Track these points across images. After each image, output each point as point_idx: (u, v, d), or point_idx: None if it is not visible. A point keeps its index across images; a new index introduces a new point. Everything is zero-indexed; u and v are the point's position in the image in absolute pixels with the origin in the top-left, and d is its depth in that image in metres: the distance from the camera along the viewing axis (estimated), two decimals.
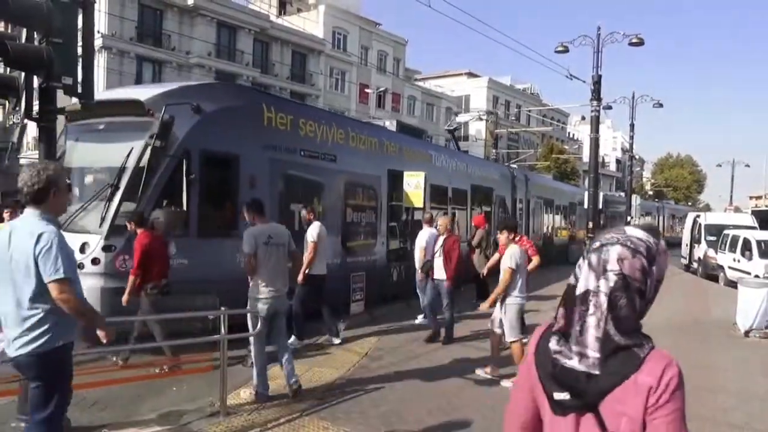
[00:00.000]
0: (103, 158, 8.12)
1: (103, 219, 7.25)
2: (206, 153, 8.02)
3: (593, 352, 1.31)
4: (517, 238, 7.69)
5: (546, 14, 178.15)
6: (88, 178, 8.38)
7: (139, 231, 6.70)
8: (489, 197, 17.70)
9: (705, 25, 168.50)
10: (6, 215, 8.14)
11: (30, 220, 3.22)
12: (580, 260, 1.42)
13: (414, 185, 11.87)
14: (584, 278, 1.37)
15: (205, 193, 8.00)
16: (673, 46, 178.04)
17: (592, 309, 1.33)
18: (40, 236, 3.12)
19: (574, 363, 1.32)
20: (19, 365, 3.30)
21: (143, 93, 8.24)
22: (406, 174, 11.71)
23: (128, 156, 7.50)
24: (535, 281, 16.20)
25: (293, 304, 7.64)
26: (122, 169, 7.48)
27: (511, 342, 6.69)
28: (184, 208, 7.73)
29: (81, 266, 6.29)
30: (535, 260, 8.42)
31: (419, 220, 11.51)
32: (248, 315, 5.89)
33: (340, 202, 10.71)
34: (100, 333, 3.41)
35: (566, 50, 23.60)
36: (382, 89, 43.80)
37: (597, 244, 1.39)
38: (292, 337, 7.92)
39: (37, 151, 4.98)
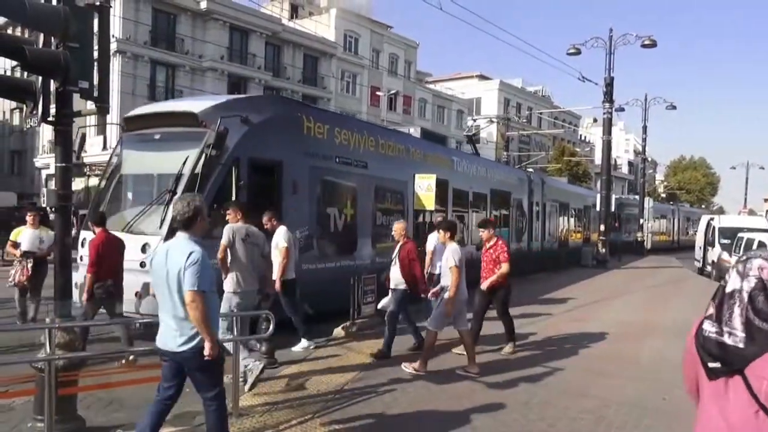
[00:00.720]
0: (159, 166, 8.72)
1: (162, 222, 7.83)
2: (253, 160, 8.61)
3: (740, 332, 1.72)
4: (492, 242, 7.89)
5: (557, 16, 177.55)
6: (146, 184, 8.98)
7: (97, 230, 7.12)
8: (507, 201, 18.15)
9: (718, 24, 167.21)
10: (29, 218, 8.59)
11: (182, 241, 3.90)
12: (730, 269, 1.83)
13: (426, 188, 11.87)
14: (732, 281, 1.79)
15: (253, 197, 8.38)
16: (687, 47, 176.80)
17: (737, 302, 1.75)
18: (190, 254, 3.76)
19: (725, 339, 1.75)
20: (183, 359, 3.90)
21: (196, 105, 8.85)
22: (417, 177, 11.73)
23: (184, 164, 8.11)
24: (547, 285, 16.26)
25: (286, 310, 7.78)
26: (179, 176, 8.09)
27: (428, 330, 6.89)
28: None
29: (143, 265, 7.26)
30: (504, 267, 7.83)
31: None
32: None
33: (370, 205, 11.30)
34: (207, 346, 3.77)
35: (578, 52, 23.54)
36: (393, 92, 43.87)
37: (744, 257, 1.82)
38: (303, 341, 7.94)
39: (53, 154, 5.03)
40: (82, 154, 31.48)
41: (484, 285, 7.92)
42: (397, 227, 8.24)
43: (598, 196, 25.65)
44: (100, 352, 7.02)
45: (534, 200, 20.40)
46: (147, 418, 4.05)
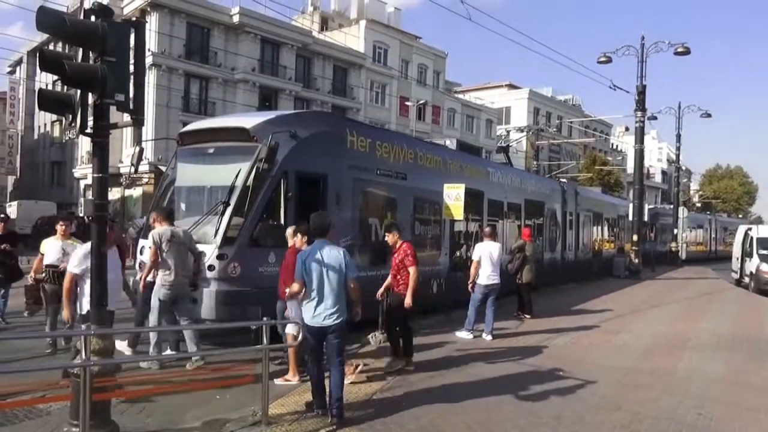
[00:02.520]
0: (213, 178, 9.22)
1: (216, 231, 8.22)
2: (300, 173, 8.98)
3: None
4: (397, 246, 7.81)
5: (587, 25, 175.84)
6: (199, 196, 9.45)
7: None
8: (541, 210, 18.17)
9: (755, 28, 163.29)
10: (60, 228, 8.33)
11: (326, 244, 5.54)
12: None
13: (454, 197, 11.80)
14: None
15: (299, 208, 8.71)
16: (722, 53, 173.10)
17: None
18: (343, 252, 5.55)
19: None
20: (334, 330, 5.41)
21: (248, 121, 9.32)
22: (446, 186, 11.66)
23: (236, 176, 8.52)
24: (578, 295, 16.01)
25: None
26: (232, 188, 8.49)
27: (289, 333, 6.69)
28: (282, 222, 8.51)
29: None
30: (412, 272, 7.51)
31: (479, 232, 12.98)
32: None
33: (409, 216, 11.56)
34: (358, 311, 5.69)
35: (609, 60, 23.26)
36: (422, 102, 43.94)
37: None
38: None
39: (90, 165, 5.18)
40: (119, 164, 32.32)
41: (408, 299, 7.49)
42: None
43: (631, 205, 25.20)
44: (134, 359, 7.17)
45: (568, 210, 20.36)
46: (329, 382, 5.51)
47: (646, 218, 26.61)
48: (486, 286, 9.81)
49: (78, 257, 6.11)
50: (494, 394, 6.52)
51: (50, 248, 8.06)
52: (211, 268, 7.95)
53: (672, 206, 38.05)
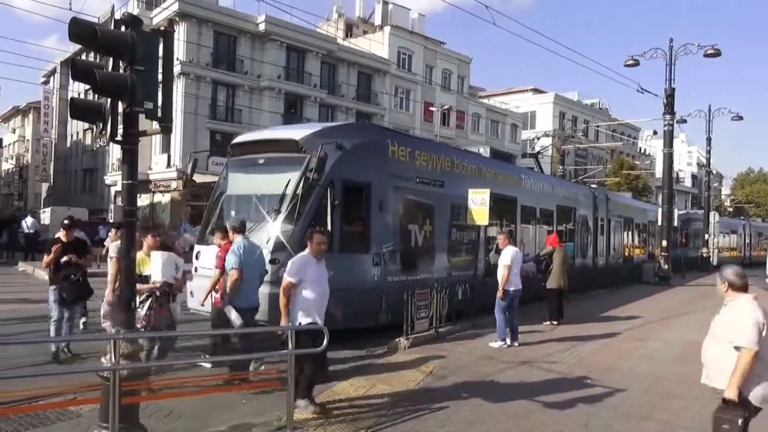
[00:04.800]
0: (264, 187, 9.71)
1: (269, 237, 8.70)
2: (346, 182, 9.44)
3: None
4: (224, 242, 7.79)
5: (614, 28, 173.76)
6: (251, 204, 9.78)
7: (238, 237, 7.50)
8: (572, 216, 18.43)
9: None
10: (152, 241, 7.38)
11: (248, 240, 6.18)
12: None
13: (479, 202, 11.72)
14: None
15: (345, 215, 9.39)
16: (753, 54, 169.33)
17: None
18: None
19: None
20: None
21: (297, 133, 9.85)
22: (471, 191, 11.62)
23: (287, 185, 9.02)
24: (607, 301, 15.77)
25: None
26: (282, 196, 9.01)
27: None
28: (329, 228, 8.83)
29: None
30: (216, 274, 7.35)
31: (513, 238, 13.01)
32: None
33: (447, 222, 11.89)
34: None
35: (637, 63, 22.94)
36: (446, 107, 43.83)
37: None
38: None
39: (120, 172, 5.28)
40: (148, 171, 32.89)
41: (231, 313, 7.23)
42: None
43: (659, 210, 24.77)
44: (162, 363, 7.25)
45: (599, 216, 20.39)
46: None
47: (676, 223, 26.12)
48: (514, 292, 9.74)
49: (296, 265, 5.86)
50: (522, 401, 6.45)
51: (163, 263, 6.76)
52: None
53: (702, 211, 37.33)
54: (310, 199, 8.91)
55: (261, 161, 9.77)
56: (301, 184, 8.92)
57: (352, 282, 9.04)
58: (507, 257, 9.75)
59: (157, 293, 6.60)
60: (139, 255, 6.38)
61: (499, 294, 9.61)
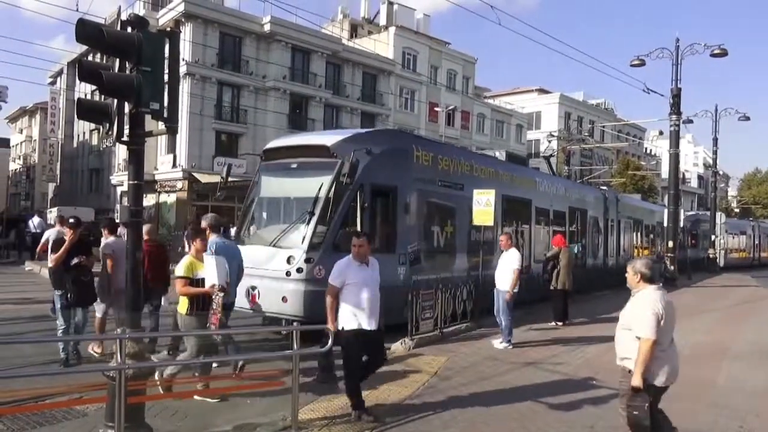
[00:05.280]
0: (297, 190, 10.16)
1: (303, 238, 9.19)
2: (374, 186, 9.92)
3: None
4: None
5: (620, 29, 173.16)
6: (285, 206, 10.41)
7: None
8: (584, 217, 18.83)
9: None
10: (201, 244, 6.99)
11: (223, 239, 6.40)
12: None
13: (484, 203, 11.69)
14: None
15: (373, 217, 9.94)
16: (761, 54, 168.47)
17: None
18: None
19: None
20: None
21: (328, 139, 10.34)
22: (476, 192, 11.60)
23: (320, 189, 9.44)
24: (612, 302, 15.66)
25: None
26: (316, 199, 9.42)
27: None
28: (359, 229, 9.15)
29: (288, 274, 8.85)
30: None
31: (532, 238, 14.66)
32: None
33: (467, 223, 12.19)
34: None
35: (642, 63, 22.85)
36: (451, 107, 43.81)
37: None
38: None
39: (126, 172, 5.29)
40: (153, 171, 33.00)
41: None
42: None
43: (665, 211, 24.68)
44: (168, 363, 7.27)
45: (609, 217, 20.78)
46: None
47: (682, 224, 26.05)
48: (517, 294, 9.74)
49: (336, 268, 5.81)
50: (527, 402, 6.43)
51: (217, 266, 6.42)
52: (299, 270, 8.86)
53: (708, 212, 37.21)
54: (341, 201, 9.35)
55: (293, 166, 10.23)
56: (332, 188, 9.36)
57: (381, 281, 9.19)
58: (516, 260, 9.70)
59: (220, 296, 6.37)
60: (190, 259, 6.43)
61: (508, 297, 9.59)
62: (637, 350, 4.40)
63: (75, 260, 7.59)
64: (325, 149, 9.89)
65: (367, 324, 5.69)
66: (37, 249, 11.48)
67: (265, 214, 10.74)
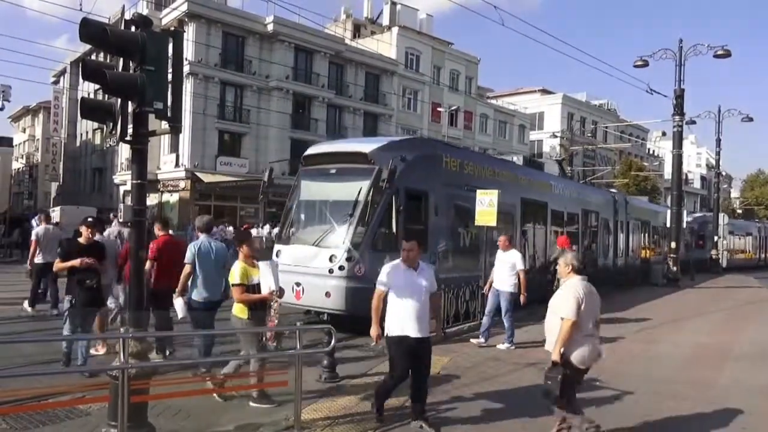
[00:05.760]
0: (336, 194, 10.80)
1: (345, 238, 9.86)
2: (408, 190, 10.57)
3: None
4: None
5: (623, 29, 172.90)
6: (325, 209, 11.00)
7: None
8: (596, 219, 19.56)
9: None
10: (248, 250, 6.68)
11: (210, 239, 6.50)
12: None
13: (487, 203, 11.65)
14: None
15: (407, 220, 10.46)
16: (763, 54, 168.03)
17: None
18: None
19: None
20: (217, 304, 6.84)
21: (365, 147, 11.04)
22: (479, 192, 11.57)
23: (359, 193, 10.10)
24: (610, 304, 15.64)
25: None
26: (355, 203, 10.09)
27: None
28: (394, 230, 10.13)
29: (331, 271, 9.57)
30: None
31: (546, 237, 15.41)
32: None
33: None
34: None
35: (646, 64, 22.79)
36: (454, 108, 43.79)
37: None
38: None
39: (130, 171, 5.30)
40: (156, 171, 33.04)
41: None
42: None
43: (669, 212, 24.64)
44: (171, 362, 7.28)
45: (618, 219, 21.30)
46: None
47: (689, 225, 26.07)
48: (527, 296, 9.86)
49: (383, 272, 5.65)
50: (528, 404, 6.41)
51: (272, 272, 6.32)
52: (341, 268, 9.56)
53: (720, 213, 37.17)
54: (378, 205, 10.00)
55: (332, 171, 10.93)
56: (370, 192, 10.00)
57: None
58: (520, 261, 9.72)
59: (279, 302, 6.26)
60: (242, 265, 6.23)
61: (523, 299, 9.69)
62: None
63: (78, 261, 7.06)
64: (363, 156, 10.58)
65: (413, 331, 5.39)
66: (31, 250, 11.63)
67: (306, 216, 11.38)
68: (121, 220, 11.00)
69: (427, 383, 5.73)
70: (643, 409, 6.37)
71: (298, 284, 9.71)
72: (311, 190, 11.34)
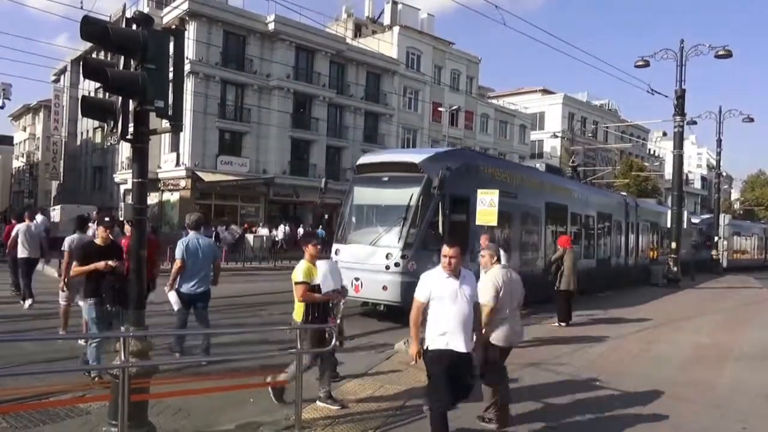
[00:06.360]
0: (389, 199, 12.09)
1: (399, 238, 11.23)
2: (453, 196, 11.67)
3: None
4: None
5: (625, 29, 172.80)
6: (378, 212, 12.34)
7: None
8: (609, 221, 20.67)
9: None
10: (314, 249, 6.38)
11: (199, 235, 6.75)
12: None
13: (488, 203, 11.67)
14: None
15: (452, 222, 11.59)
16: (765, 54, 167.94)
17: None
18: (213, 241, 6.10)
19: None
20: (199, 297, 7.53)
21: (415, 157, 12.41)
22: (480, 192, 11.68)
23: (410, 198, 11.47)
24: (610, 304, 15.68)
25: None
26: (408, 207, 11.44)
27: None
28: (440, 232, 11.13)
29: (387, 267, 10.91)
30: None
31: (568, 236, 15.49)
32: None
33: (519, 226, 14.28)
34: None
35: (647, 64, 22.78)
36: (455, 107, 43.78)
37: None
38: None
39: (130, 170, 5.29)
40: (157, 170, 33.03)
41: None
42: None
43: (669, 212, 24.62)
44: (172, 361, 7.28)
45: (630, 221, 22.28)
46: None
47: (699, 226, 26.16)
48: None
49: (421, 281, 5.11)
50: (529, 402, 6.41)
51: (331, 271, 6.27)
52: (396, 264, 10.89)
53: (731, 216, 37.27)
54: (428, 209, 11.25)
55: (385, 179, 12.19)
56: (421, 198, 11.32)
57: None
58: (502, 259, 9.49)
59: (342, 303, 6.12)
60: (307, 264, 6.03)
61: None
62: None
63: (102, 263, 6.70)
64: (413, 165, 11.88)
65: (455, 344, 4.83)
66: (8, 245, 12.17)
67: (362, 219, 12.66)
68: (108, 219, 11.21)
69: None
70: (643, 410, 6.36)
71: (356, 279, 10.92)
72: (365, 195, 12.64)
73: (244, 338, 8.69)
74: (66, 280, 8.20)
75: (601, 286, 18.00)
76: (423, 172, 11.56)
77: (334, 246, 12.05)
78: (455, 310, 4.87)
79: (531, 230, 14.94)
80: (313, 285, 6.01)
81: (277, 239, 31.05)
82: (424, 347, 4.95)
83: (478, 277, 5.53)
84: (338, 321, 6.17)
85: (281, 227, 32.06)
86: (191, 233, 7.94)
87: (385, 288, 10.81)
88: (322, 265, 6.16)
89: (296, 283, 6.01)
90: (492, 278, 5.65)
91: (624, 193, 26.89)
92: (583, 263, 16.29)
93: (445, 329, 4.85)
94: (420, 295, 5.00)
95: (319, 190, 14.38)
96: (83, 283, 7.07)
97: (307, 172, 36.97)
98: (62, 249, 8.57)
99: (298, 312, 6.06)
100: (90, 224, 10.70)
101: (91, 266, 6.71)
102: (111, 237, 7.20)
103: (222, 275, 8.59)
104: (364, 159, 13.68)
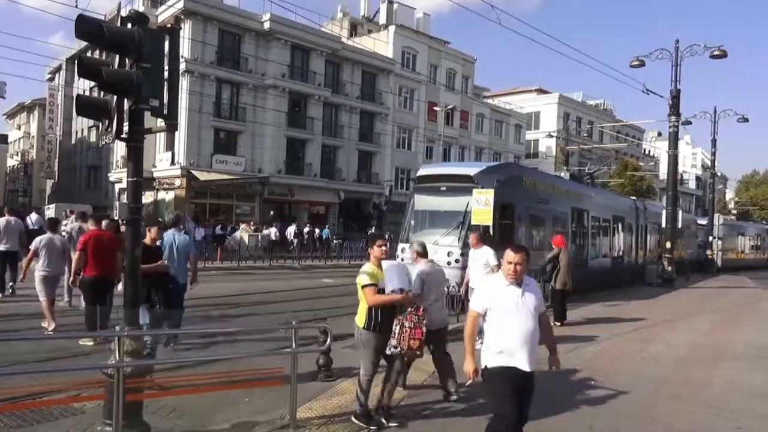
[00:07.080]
0: (448, 206, 13.89)
1: (458, 238, 13.07)
2: (501, 203, 13.20)
3: None
4: None
5: (620, 30, 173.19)
6: (438, 217, 14.09)
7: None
8: (622, 223, 22.23)
9: None
10: (380, 250, 5.92)
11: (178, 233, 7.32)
12: None
13: (483, 202, 11.93)
14: None
15: (501, 226, 13.13)
16: (760, 55, 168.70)
17: None
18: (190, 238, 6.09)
19: None
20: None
21: (470, 170, 14.27)
22: (475, 191, 12.36)
23: (467, 206, 13.08)
24: (606, 305, 15.73)
25: None
26: (465, 213, 13.18)
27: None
28: (491, 233, 12.31)
29: (449, 263, 12.05)
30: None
31: (589, 236, 19.10)
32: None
33: (550, 228, 16.13)
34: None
35: (642, 64, 22.84)
36: (450, 107, 43.79)
37: None
38: None
39: (125, 169, 5.27)
40: (152, 169, 32.93)
41: None
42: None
43: (664, 212, 24.71)
44: (167, 361, 7.25)
45: (639, 223, 23.79)
46: None
47: (679, 225, 26.23)
48: None
49: (479, 291, 4.77)
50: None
51: (398, 273, 5.75)
52: (457, 261, 12.48)
53: (732, 218, 37.45)
54: None
55: (443, 188, 14.02)
56: None
57: None
58: (493, 257, 9.10)
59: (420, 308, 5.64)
60: (372, 266, 5.53)
61: None
62: None
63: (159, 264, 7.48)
64: (469, 177, 13.64)
65: (523, 362, 4.28)
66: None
67: (424, 222, 14.36)
68: (82, 216, 12.29)
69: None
70: (638, 409, 6.38)
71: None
72: (425, 202, 14.47)
73: (240, 337, 8.68)
74: (74, 278, 8.64)
75: (615, 283, 19.55)
76: (477, 183, 13.23)
77: (399, 245, 13.47)
78: (516, 323, 4.29)
79: (560, 233, 16.00)
80: (380, 288, 5.49)
81: (272, 238, 30.93)
82: (483, 364, 4.41)
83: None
84: (423, 330, 5.52)
85: (274, 228, 31.97)
86: (170, 230, 8.52)
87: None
88: (386, 265, 5.69)
89: (363, 287, 5.42)
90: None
91: (633, 197, 28.55)
92: (600, 261, 19.41)
93: (504, 346, 4.30)
94: (477, 305, 4.49)
95: (384, 197, 16.87)
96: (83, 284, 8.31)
97: (303, 171, 36.95)
98: (30, 247, 9.54)
99: (360, 316, 5.55)
100: (63, 223, 11.74)
101: (153, 265, 7.29)
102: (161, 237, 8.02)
103: (220, 274, 8.66)
104: (424, 171, 15.58)
